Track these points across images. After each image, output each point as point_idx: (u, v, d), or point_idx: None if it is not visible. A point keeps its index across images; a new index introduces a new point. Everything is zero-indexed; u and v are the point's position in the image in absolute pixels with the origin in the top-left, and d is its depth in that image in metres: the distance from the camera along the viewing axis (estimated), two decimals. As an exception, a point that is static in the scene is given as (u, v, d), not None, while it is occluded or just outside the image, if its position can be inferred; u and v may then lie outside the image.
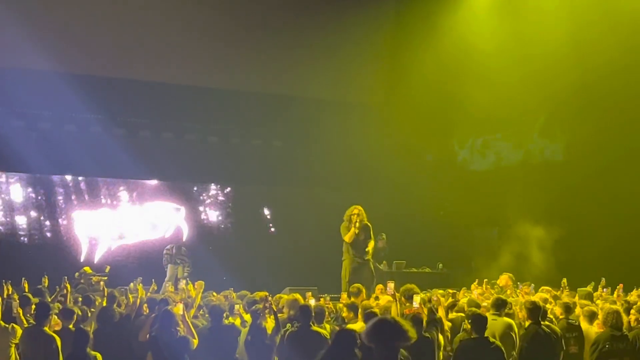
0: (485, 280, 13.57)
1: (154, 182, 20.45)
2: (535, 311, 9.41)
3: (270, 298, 9.93)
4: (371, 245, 15.09)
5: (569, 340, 9.91)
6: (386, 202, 20.65)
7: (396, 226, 19.36)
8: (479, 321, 8.73)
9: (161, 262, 17.37)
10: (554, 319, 10.26)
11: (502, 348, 8.74)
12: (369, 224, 15.11)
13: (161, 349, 8.63)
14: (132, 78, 18.52)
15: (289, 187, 21.33)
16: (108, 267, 16.22)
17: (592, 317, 10.25)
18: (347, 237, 14.91)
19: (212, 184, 21.33)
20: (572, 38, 16.50)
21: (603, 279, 12.99)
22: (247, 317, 9.94)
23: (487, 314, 9.50)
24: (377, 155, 20.10)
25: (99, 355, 8.45)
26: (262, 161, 20.57)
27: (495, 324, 9.30)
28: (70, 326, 9.41)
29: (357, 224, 14.86)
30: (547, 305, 10.72)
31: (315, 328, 9.13)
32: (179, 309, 9.14)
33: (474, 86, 18.06)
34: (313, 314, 9.25)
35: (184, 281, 12.63)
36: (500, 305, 9.81)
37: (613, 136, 16.78)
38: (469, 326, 9.11)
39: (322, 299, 11.34)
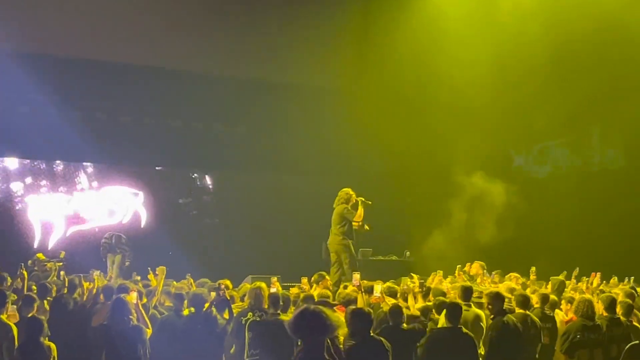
0: (458, 266, 13.59)
1: (111, 165, 20.24)
2: (498, 301, 9.36)
3: (222, 285, 9.77)
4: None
5: (542, 330, 9.95)
6: (353, 188, 20.59)
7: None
8: (453, 310, 8.68)
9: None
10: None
11: (474, 338, 8.73)
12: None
13: (113, 338, 8.51)
14: (89, 58, 18.24)
15: (254, 173, 21.20)
16: (63, 253, 16.00)
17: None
18: (358, 217, 14.73)
19: (173, 169, 21.15)
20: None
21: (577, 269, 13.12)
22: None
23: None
24: (345, 140, 20.02)
25: (52, 345, 8.31)
26: (225, 146, 20.43)
27: (465, 314, 9.28)
28: (30, 315, 9.21)
29: (360, 203, 14.77)
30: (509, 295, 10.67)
31: (283, 317, 9.01)
32: (132, 297, 9.04)
33: (446, 69, 18.11)
34: (281, 303, 9.17)
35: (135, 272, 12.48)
36: (469, 295, 9.78)
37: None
38: (437, 315, 9.11)
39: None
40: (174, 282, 12.21)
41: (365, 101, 20.31)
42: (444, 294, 10.50)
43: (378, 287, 9.84)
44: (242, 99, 20.04)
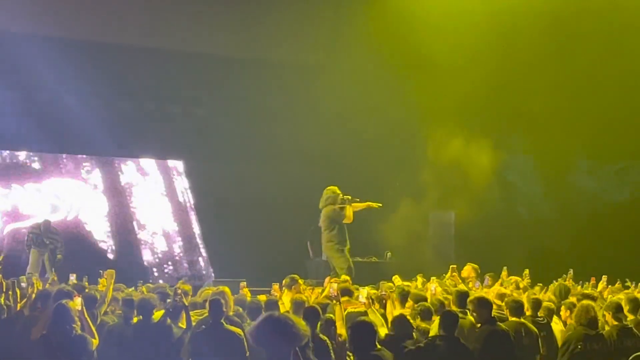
0: (452, 266, 13.66)
1: (54, 155, 20.07)
2: (484, 307, 9.32)
3: (179, 290, 9.74)
4: None
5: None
6: (328, 179, 20.57)
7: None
8: (448, 318, 8.66)
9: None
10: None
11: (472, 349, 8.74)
12: None
13: (54, 349, 8.41)
14: (30, 32, 18.03)
15: (218, 160, 21.05)
16: (1, 256, 15.76)
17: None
18: (348, 219, 15.13)
19: (126, 158, 20.95)
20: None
21: (570, 271, 13.20)
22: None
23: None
24: (320, 122, 20.00)
25: None
26: (185, 130, 20.33)
27: (461, 322, 9.22)
28: None
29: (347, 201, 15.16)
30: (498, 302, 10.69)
31: (228, 327, 9.00)
32: (76, 303, 8.92)
33: (423, 46, 18.28)
34: (225, 310, 9.11)
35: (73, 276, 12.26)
36: (464, 300, 9.76)
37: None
38: (422, 324, 9.09)
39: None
40: (125, 287, 12.15)
41: (340, 79, 20.25)
42: (424, 299, 10.47)
43: (364, 292, 9.77)
44: (204, 76, 19.98)
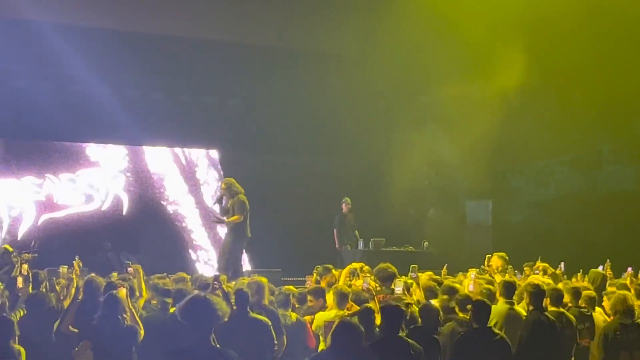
0: (488, 255, 13.72)
1: (89, 145, 20.30)
2: (538, 296, 9.52)
3: (221, 278, 9.95)
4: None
5: (580, 332, 10.03)
6: (361, 167, 20.78)
7: (374, 197, 19.46)
8: (481, 309, 8.79)
9: (97, 239, 17.26)
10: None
11: (508, 341, 8.80)
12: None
13: (102, 340, 8.60)
14: (55, 22, 18.22)
15: (250, 151, 21.21)
16: (35, 242, 15.83)
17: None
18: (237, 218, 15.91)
19: (160, 147, 21.13)
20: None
21: (608, 261, 13.22)
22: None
23: (500, 301, 9.72)
24: (352, 113, 20.09)
25: (22, 350, 8.33)
26: (217, 120, 20.47)
27: (510, 313, 9.41)
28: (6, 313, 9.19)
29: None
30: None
31: (254, 315, 9.26)
32: (122, 293, 9.10)
33: (455, 36, 18.28)
34: (251, 299, 9.36)
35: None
36: (511, 291, 9.89)
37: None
38: (461, 314, 9.28)
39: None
40: (158, 277, 12.35)
41: (373, 70, 20.33)
42: (455, 291, 10.55)
43: (401, 283, 9.96)
44: (236, 67, 20.09)
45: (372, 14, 19.41)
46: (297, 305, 10.74)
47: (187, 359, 6.50)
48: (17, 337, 8.49)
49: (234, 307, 9.29)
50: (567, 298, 10.43)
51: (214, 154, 21.55)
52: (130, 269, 10.68)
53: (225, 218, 16.20)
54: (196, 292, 9.49)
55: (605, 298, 10.88)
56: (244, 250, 16.72)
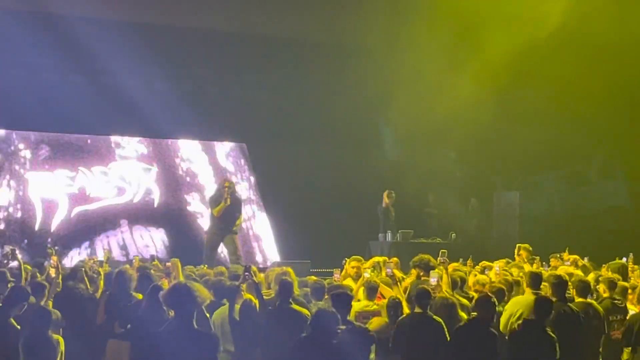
0: (520, 245, 13.80)
1: (121, 138, 20.54)
2: (561, 287, 9.65)
3: (251, 268, 9.94)
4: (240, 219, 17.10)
5: (612, 324, 10.09)
6: (391, 161, 20.87)
7: (401, 188, 19.55)
8: (544, 304, 8.91)
9: (128, 231, 17.42)
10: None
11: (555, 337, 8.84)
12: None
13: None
14: (86, 16, 18.45)
15: (279, 143, 21.33)
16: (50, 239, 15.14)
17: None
18: (216, 211, 16.57)
19: (191, 140, 21.34)
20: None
21: (631, 254, 13.28)
22: None
23: (527, 292, 9.83)
24: (380, 105, 20.23)
25: (61, 339, 8.50)
26: (245, 113, 20.61)
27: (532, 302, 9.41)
28: (42, 303, 9.28)
29: (228, 199, 16.54)
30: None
31: (295, 306, 9.35)
32: (165, 285, 9.25)
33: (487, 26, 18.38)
34: (295, 291, 9.51)
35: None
36: (538, 281, 9.98)
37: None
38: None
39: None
40: (192, 268, 12.55)
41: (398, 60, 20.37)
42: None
43: (435, 274, 10.13)
44: (262, 58, 20.27)
45: (397, 5, 19.43)
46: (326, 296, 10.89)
47: (170, 340, 6.92)
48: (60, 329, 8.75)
49: (264, 299, 9.43)
50: (601, 289, 10.54)
51: (243, 147, 21.74)
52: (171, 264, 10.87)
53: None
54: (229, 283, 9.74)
55: (630, 290, 11.00)
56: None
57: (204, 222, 19.49)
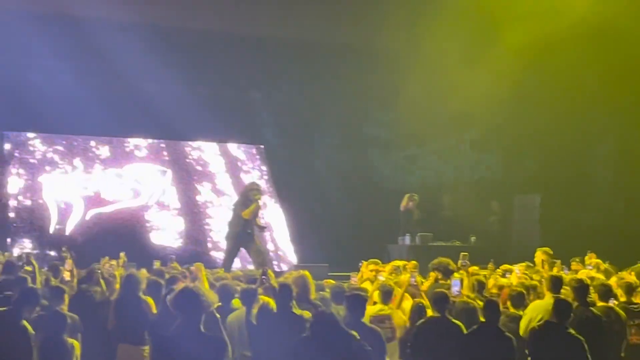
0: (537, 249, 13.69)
1: (136, 140, 20.53)
2: (582, 291, 9.50)
3: (269, 272, 9.97)
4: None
5: (630, 328, 9.92)
6: (410, 162, 20.80)
7: (421, 192, 19.47)
8: (563, 306, 8.76)
9: (144, 233, 17.37)
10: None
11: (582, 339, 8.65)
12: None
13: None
14: (101, 18, 18.46)
15: (298, 146, 21.30)
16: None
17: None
18: (247, 214, 16.27)
19: (206, 142, 21.34)
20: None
21: None
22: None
23: (547, 296, 9.67)
24: (403, 106, 20.11)
25: (76, 343, 8.48)
26: (263, 115, 20.58)
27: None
28: (59, 308, 9.14)
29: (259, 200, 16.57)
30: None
31: (296, 310, 9.15)
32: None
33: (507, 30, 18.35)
34: (294, 294, 9.32)
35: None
36: (558, 285, 9.86)
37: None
38: (512, 309, 9.38)
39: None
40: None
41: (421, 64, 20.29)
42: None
43: (457, 278, 10.14)
44: (279, 61, 20.22)
45: (420, 8, 19.38)
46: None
47: (177, 344, 6.90)
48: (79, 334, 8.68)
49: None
50: (619, 293, 10.36)
51: (260, 149, 21.66)
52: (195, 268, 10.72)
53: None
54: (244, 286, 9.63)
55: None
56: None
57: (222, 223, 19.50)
